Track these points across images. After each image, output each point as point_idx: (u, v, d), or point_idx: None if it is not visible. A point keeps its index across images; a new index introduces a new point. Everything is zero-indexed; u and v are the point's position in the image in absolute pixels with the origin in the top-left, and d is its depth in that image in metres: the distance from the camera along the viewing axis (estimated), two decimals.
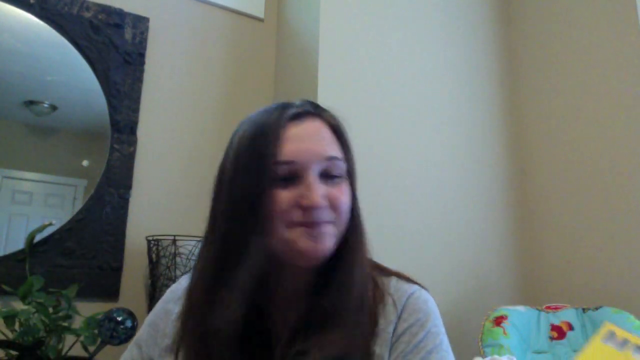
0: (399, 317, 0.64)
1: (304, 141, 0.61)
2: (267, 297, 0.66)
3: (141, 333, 0.72)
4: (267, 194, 0.59)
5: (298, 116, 0.64)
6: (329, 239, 0.61)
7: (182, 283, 0.72)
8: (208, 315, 0.58)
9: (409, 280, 0.69)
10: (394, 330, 0.63)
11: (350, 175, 0.66)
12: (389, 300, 0.66)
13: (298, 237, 0.60)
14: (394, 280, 0.69)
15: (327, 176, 0.62)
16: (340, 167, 0.63)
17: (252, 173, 0.59)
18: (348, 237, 0.65)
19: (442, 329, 0.65)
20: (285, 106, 0.64)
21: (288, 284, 0.66)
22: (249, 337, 0.61)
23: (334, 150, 0.63)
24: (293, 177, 0.60)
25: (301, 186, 0.60)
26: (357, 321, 0.61)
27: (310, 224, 0.60)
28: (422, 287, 0.69)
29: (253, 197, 0.58)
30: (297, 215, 0.60)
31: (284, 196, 0.60)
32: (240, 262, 0.58)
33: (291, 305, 0.65)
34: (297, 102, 0.67)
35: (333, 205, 0.62)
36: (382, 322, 0.64)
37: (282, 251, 0.61)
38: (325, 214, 0.61)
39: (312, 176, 0.60)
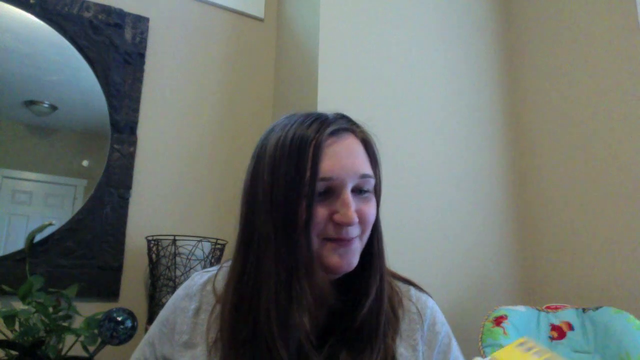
0: (428, 328, 0.71)
1: (342, 158, 0.63)
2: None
3: (153, 331, 0.73)
4: (306, 208, 0.60)
5: (336, 132, 0.65)
6: (356, 255, 0.65)
7: (195, 280, 0.74)
8: (275, 319, 0.60)
9: (421, 289, 0.76)
10: (423, 339, 0.71)
11: (377, 190, 0.68)
12: (412, 308, 0.72)
13: (328, 252, 0.63)
14: (412, 290, 0.75)
15: (358, 191, 0.64)
16: (371, 183, 0.65)
17: (292, 186, 0.60)
18: (371, 248, 0.67)
19: None
20: (322, 120, 0.65)
21: (312, 290, 0.67)
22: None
23: (367, 167, 0.65)
24: (329, 192, 0.63)
25: (337, 202, 0.62)
26: (379, 326, 0.65)
27: (341, 241, 0.63)
28: (430, 295, 0.77)
29: (294, 210, 0.60)
30: (329, 230, 0.62)
31: (321, 211, 0.62)
32: (293, 275, 0.60)
33: (315, 312, 0.67)
34: (331, 115, 0.68)
35: (362, 221, 0.64)
36: (404, 326, 0.70)
37: (310, 262, 0.63)
38: (355, 230, 0.64)
39: (347, 193, 0.62)
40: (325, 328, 0.66)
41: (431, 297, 0.76)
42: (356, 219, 0.62)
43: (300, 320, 0.60)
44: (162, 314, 0.74)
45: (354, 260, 0.64)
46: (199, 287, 0.71)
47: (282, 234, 0.60)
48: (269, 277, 0.61)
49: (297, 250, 0.60)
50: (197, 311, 0.70)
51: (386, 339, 0.65)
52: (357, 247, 0.65)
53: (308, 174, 0.60)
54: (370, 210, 0.65)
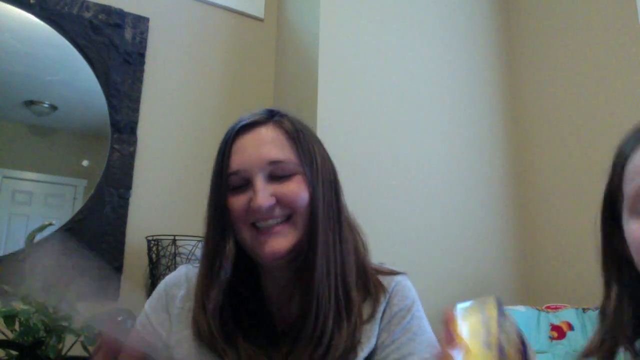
0: (387, 303, 0.70)
1: (246, 151, 0.68)
2: (263, 293, 0.72)
3: (146, 310, 0.76)
4: (227, 202, 0.67)
5: (244, 128, 0.70)
6: (282, 239, 0.66)
7: (181, 270, 0.78)
8: (205, 300, 0.68)
9: (392, 272, 0.75)
10: (383, 313, 0.69)
11: (310, 173, 0.69)
12: (379, 290, 0.71)
13: (252, 240, 0.67)
14: (394, 277, 0.74)
15: (276, 178, 0.67)
16: (287, 168, 0.68)
17: (216, 185, 0.69)
18: (312, 230, 0.68)
19: (424, 314, 0.73)
20: (239, 120, 0.71)
21: (275, 280, 0.72)
22: (256, 329, 0.68)
23: (277, 153, 0.68)
24: (245, 184, 0.67)
25: (250, 191, 0.66)
26: (329, 316, 0.65)
27: (260, 227, 0.66)
28: (404, 274, 0.76)
29: (219, 205, 0.68)
30: (251, 218, 0.66)
31: (237, 202, 0.67)
32: (217, 258, 0.68)
33: (284, 301, 0.71)
34: (252, 113, 0.73)
35: (283, 202, 0.67)
36: (367, 313, 0.69)
37: (249, 251, 0.68)
38: (276, 212, 0.66)
39: (258, 180, 0.66)
40: (297, 319, 0.67)
41: (405, 274, 0.75)
42: (271, 201, 0.65)
43: (212, 298, 0.66)
44: (150, 302, 0.76)
45: (283, 243, 0.66)
46: (184, 276, 0.76)
47: (212, 228, 0.69)
48: (201, 270, 0.70)
49: (224, 240, 0.67)
50: (184, 298, 0.73)
51: (340, 329, 0.65)
52: (285, 230, 0.66)
53: (224, 172, 0.68)
54: (289, 189, 0.67)
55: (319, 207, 0.68)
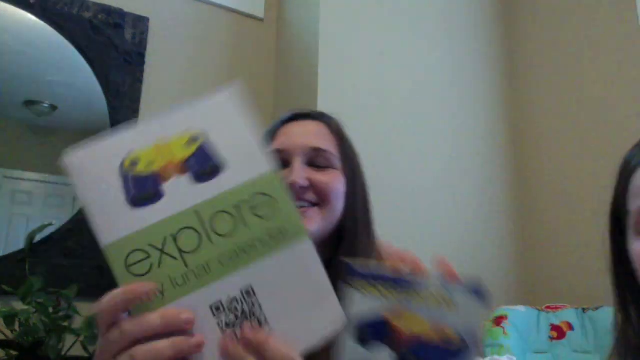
0: None
1: (291, 135, 0.71)
2: None
3: None
4: None
5: (295, 118, 0.74)
6: (309, 221, 0.66)
7: None
8: None
9: None
10: None
11: (349, 171, 0.71)
12: None
13: None
14: None
15: (315, 165, 0.69)
16: (329, 159, 0.69)
17: None
18: (344, 225, 0.69)
19: None
20: (291, 111, 0.75)
21: None
22: None
23: (322, 143, 0.70)
24: (283, 164, 0.68)
25: (288, 170, 0.68)
26: None
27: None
28: None
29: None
30: None
31: None
32: None
33: None
34: (307, 110, 0.77)
35: (317, 189, 0.67)
36: None
37: None
38: (307, 195, 0.67)
39: (297, 161, 0.68)
40: None
41: None
42: (304, 183, 0.66)
43: None
44: None
45: (310, 225, 0.65)
46: None
47: None
48: None
49: None
50: None
51: None
52: (314, 214, 0.66)
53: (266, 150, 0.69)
54: (325, 179, 0.68)
55: (357, 210, 0.70)
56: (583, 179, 1.81)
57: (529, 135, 2.04)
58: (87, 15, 1.57)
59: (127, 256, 0.39)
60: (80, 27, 1.55)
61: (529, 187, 2.00)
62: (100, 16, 1.59)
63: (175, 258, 0.39)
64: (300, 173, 0.66)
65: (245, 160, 0.41)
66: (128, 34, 1.63)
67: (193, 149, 0.41)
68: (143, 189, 0.39)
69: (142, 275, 0.39)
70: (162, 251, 0.39)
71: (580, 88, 1.87)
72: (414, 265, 0.44)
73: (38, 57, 1.49)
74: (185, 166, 0.40)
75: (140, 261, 0.39)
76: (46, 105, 1.49)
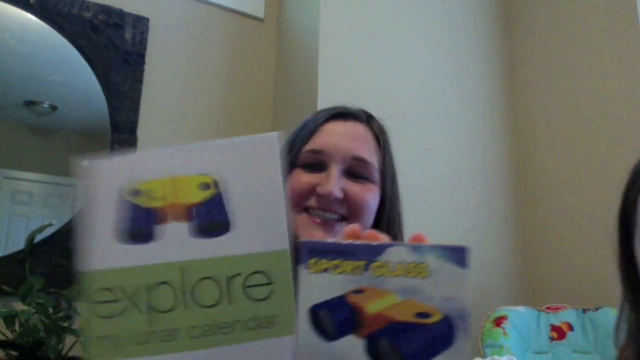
0: None
1: (337, 136, 0.65)
2: None
3: None
4: (292, 175, 0.63)
5: (342, 115, 0.68)
6: (334, 236, 0.61)
7: None
8: None
9: None
10: None
11: (386, 185, 0.68)
12: None
13: (301, 224, 0.62)
14: None
15: (353, 175, 0.64)
16: (368, 170, 0.65)
17: (288, 156, 0.64)
18: None
19: None
20: (335, 107, 0.69)
21: None
22: None
23: (365, 152, 0.65)
24: (319, 165, 0.64)
25: (322, 175, 0.63)
26: None
27: (313, 214, 0.62)
28: None
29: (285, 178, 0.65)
30: (311, 201, 0.62)
31: (304, 179, 0.63)
32: None
33: None
34: (348, 106, 0.71)
35: (350, 201, 0.63)
36: None
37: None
38: (338, 208, 0.62)
39: (335, 169, 0.63)
40: None
41: None
42: (338, 194, 0.61)
43: None
44: None
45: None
46: None
47: None
48: None
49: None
50: None
51: None
52: (340, 231, 0.62)
53: (301, 145, 0.64)
54: (360, 192, 0.63)
55: (389, 227, 0.66)
56: (583, 179, 1.81)
57: (529, 135, 2.04)
58: (87, 15, 1.57)
59: (95, 291, 0.35)
60: (80, 27, 1.55)
61: (529, 187, 2.00)
62: (100, 16, 1.59)
63: (141, 312, 0.34)
64: (337, 184, 0.62)
65: (260, 227, 0.36)
66: (128, 34, 1.63)
67: (206, 195, 0.36)
68: (136, 225, 0.35)
69: (103, 317, 0.34)
70: (130, 300, 0.34)
71: (581, 88, 1.87)
72: (372, 235, 0.37)
73: (38, 57, 1.49)
74: (191, 212, 0.36)
75: (104, 302, 0.35)
76: (46, 106, 1.49)
